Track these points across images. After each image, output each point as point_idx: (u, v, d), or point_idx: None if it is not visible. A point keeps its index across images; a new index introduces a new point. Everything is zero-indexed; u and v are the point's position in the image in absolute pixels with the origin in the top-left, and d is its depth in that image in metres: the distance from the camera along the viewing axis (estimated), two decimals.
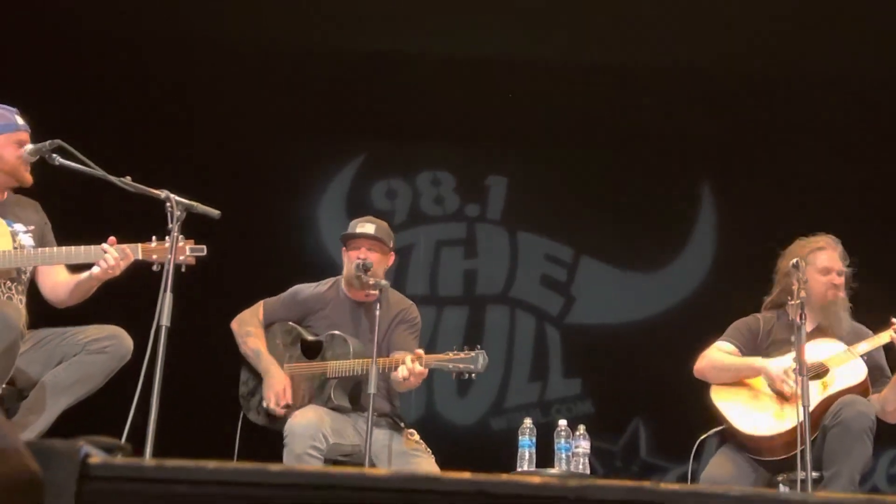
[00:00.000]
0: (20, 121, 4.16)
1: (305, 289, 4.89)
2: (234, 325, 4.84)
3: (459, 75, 7.14)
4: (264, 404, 4.62)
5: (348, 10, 6.86)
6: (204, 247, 3.96)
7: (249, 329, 4.79)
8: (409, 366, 4.38)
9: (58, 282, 4.18)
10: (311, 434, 4.33)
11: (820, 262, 4.58)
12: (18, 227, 4.11)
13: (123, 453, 1.24)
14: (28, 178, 4.14)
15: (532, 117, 7.25)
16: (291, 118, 7.09)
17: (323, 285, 4.88)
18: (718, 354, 4.60)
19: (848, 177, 7.06)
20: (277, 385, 4.61)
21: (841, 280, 4.58)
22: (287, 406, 4.58)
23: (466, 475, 1.19)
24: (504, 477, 1.24)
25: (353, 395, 4.64)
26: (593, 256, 7.52)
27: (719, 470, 4.38)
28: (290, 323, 4.81)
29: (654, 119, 7.15)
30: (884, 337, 4.41)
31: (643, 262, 7.45)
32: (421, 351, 4.49)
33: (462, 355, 4.48)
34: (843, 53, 6.81)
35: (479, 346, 4.54)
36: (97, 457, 1.17)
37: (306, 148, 7.25)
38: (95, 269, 4.02)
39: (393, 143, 7.47)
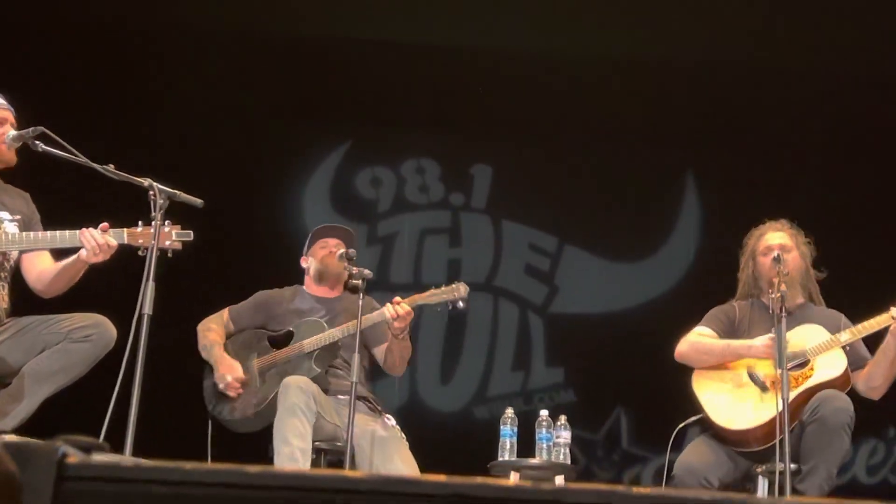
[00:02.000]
0: (1, 100, 4.14)
1: (266, 292, 4.95)
2: (199, 326, 4.85)
3: (445, 64, 7.14)
4: (220, 383, 4.59)
5: None
6: (191, 232, 3.95)
7: (210, 325, 4.82)
8: (392, 309, 4.42)
9: (43, 269, 4.15)
10: (304, 391, 4.31)
11: (761, 245, 4.66)
12: (4, 214, 4.10)
13: (101, 452, 1.24)
14: (11, 157, 4.10)
15: (517, 106, 7.25)
16: (276, 105, 7.09)
17: (285, 290, 4.96)
18: (701, 338, 4.61)
19: (832, 168, 7.10)
20: (224, 364, 4.61)
21: (788, 256, 4.56)
22: (238, 382, 4.56)
23: (442, 478, 1.20)
24: (479, 480, 1.25)
25: (331, 378, 4.65)
26: (577, 246, 7.54)
27: (696, 457, 4.38)
28: (257, 328, 4.82)
29: (638, 109, 7.16)
30: (881, 320, 4.40)
31: (627, 252, 7.48)
32: (398, 298, 4.52)
33: (444, 288, 4.55)
34: (831, 44, 6.83)
35: (457, 280, 4.57)
36: (75, 456, 1.18)
37: (290, 135, 7.24)
38: (82, 252, 3.99)
39: (378, 131, 7.46)
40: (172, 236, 3.87)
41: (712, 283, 6.63)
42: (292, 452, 4.19)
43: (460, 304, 4.57)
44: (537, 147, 7.42)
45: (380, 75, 7.14)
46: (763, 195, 6.99)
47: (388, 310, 4.46)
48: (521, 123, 7.32)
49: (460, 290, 4.54)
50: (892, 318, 4.35)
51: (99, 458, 1.23)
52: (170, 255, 3.85)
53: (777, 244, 4.61)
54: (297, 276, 5.10)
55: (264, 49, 7.00)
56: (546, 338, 7.47)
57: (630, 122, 7.22)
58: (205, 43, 6.84)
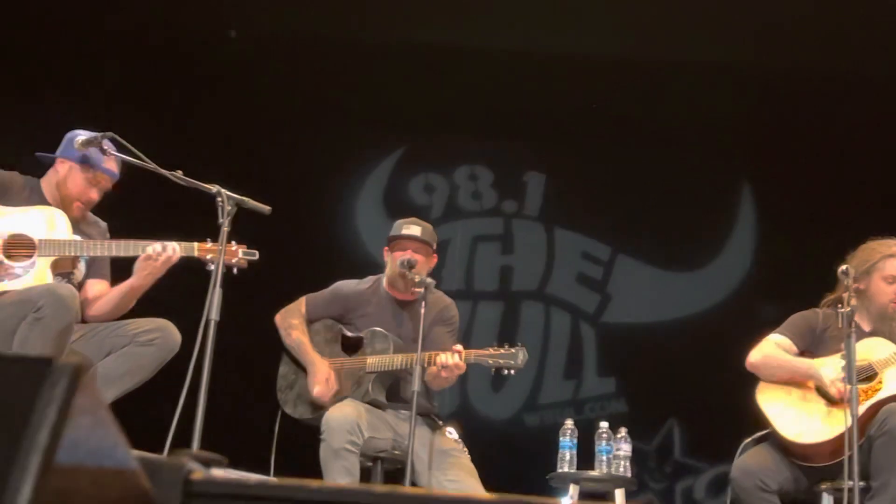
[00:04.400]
0: (110, 166, 4.18)
1: (346, 285, 4.90)
2: (278, 318, 4.86)
3: (500, 70, 7.11)
4: (313, 392, 4.59)
5: (392, 1, 6.85)
6: (256, 251, 4.05)
7: (293, 321, 4.81)
8: (449, 359, 4.38)
9: (97, 293, 4.20)
10: (348, 428, 4.33)
11: (887, 270, 4.47)
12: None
13: (220, 467, 1.23)
14: (75, 213, 4.17)
15: (572, 113, 7.21)
16: (331, 112, 7.09)
17: (364, 283, 4.88)
18: (775, 350, 4.50)
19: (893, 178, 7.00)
20: (321, 374, 4.61)
21: None
22: (334, 394, 4.57)
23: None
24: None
25: (391, 390, 4.66)
26: (630, 255, 7.50)
27: (754, 460, 4.32)
28: (331, 320, 4.81)
29: (694, 116, 7.10)
30: None
31: (681, 261, 7.42)
32: (460, 346, 4.48)
33: (502, 351, 4.48)
34: (891, 47, 6.74)
35: (519, 343, 4.52)
36: (200, 472, 1.16)
37: (345, 141, 7.24)
38: (133, 279, 4.07)
39: (431, 138, 7.46)
40: (239, 254, 3.94)
41: (767, 294, 6.60)
42: None
43: (513, 372, 4.50)
44: (591, 155, 7.37)
45: (434, 81, 7.13)
46: (821, 207, 6.92)
47: (440, 357, 4.42)
48: (575, 131, 7.28)
49: (519, 357, 4.47)
50: None
51: (219, 473, 1.22)
52: (235, 272, 3.90)
53: None
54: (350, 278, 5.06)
55: (321, 55, 7.00)
56: (598, 347, 7.43)
57: (685, 130, 7.17)
58: (264, 50, 6.86)
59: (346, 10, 6.89)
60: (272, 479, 1.11)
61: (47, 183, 4.19)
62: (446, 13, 6.93)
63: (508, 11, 6.95)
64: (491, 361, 4.50)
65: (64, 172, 4.16)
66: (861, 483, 4.03)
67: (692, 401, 6.87)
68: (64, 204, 4.15)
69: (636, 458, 7.07)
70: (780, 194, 7.21)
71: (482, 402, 7.31)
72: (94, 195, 4.21)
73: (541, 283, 7.50)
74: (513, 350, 4.48)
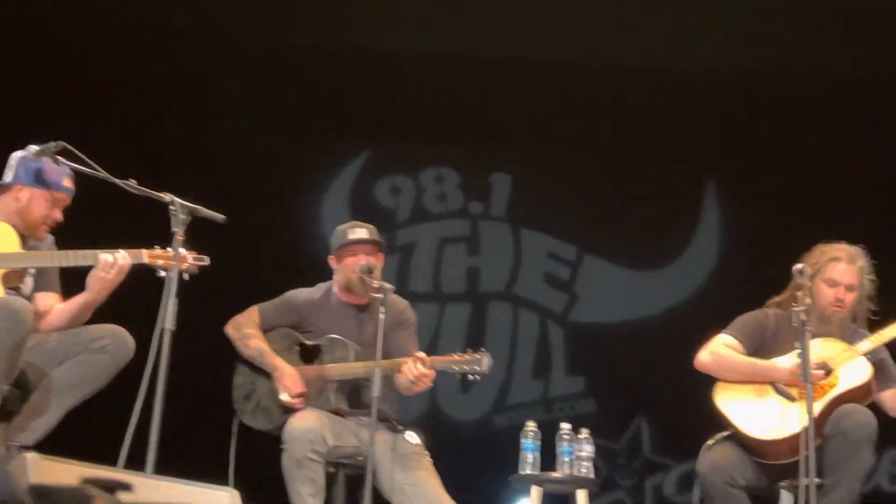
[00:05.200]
0: (68, 184, 4.16)
1: (299, 294, 4.85)
2: (230, 329, 4.77)
3: (464, 73, 7.13)
4: (281, 397, 4.55)
5: (353, 7, 6.85)
6: (207, 257, 3.99)
7: (248, 331, 4.73)
8: (413, 369, 4.36)
9: (47, 308, 4.17)
10: (311, 438, 4.30)
11: (829, 273, 4.50)
12: None
13: (126, 491, 1.23)
14: (41, 236, 4.16)
15: (537, 115, 7.24)
16: (294, 116, 7.09)
17: (316, 291, 4.83)
18: (726, 351, 4.54)
19: (856, 176, 7.04)
20: (287, 376, 4.58)
21: (847, 296, 4.49)
22: (301, 395, 4.53)
23: None
24: None
25: (352, 398, 4.62)
26: (597, 254, 7.53)
27: (723, 457, 4.36)
28: (287, 329, 4.79)
29: (658, 117, 7.14)
30: (892, 332, 4.37)
31: (647, 260, 7.47)
32: (422, 354, 4.46)
33: (467, 356, 4.46)
34: (853, 49, 6.79)
35: (482, 348, 4.51)
36: (101, 499, 1.16)
37: (309, 146, 7.25)
38: (87, 294, 4.03)
39: (397, 140, 7.46)
40: (189, 260, 3.90)
41: (732, 292, 6.63)
42: (305, 501, 4.25)
43: (478, 377, 4.50)
44: (557, 156, 7.40)
45: (398, 85, 7.13)
46: (784, 204, 6.97)
47: (406, 373, 4.41)
48: (540, 132, 7.31)
49: (484, 362, 4.43)
50: None
51: (124, 496, 1.22)
52: (186, 277, 3.86)
53: (846, 282, 4.50)
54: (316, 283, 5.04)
55: (283, 60, 7.00)
56: (566, 346, 7.46)
57: (650, 131, 7.20)
58: (222, 54, 6.85)
59: (306, 16, 6.89)
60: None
61: (4, 208, 4.13)
62: (410, 18, 6.94)
63: (471, 16, 6.97)
64: (456, 368, 4.47)
65: (25, 199, 4.11)
66: (818, 480, 4.09)
67: (660, 398, 6.92)
68: (30, 229, 4.12)
69: (605, 456, 7.14)
70: (743, 193, 7.27)
71: (450, 404, 7.32)
72: (59, 215, 4.19)
73: (508, 284, 7.53)
74: (477, 355, 4.46)
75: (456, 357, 4.46)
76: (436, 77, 7.13)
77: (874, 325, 4.54)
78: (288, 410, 4.54)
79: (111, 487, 1.21)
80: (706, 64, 7.04)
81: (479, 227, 7.59)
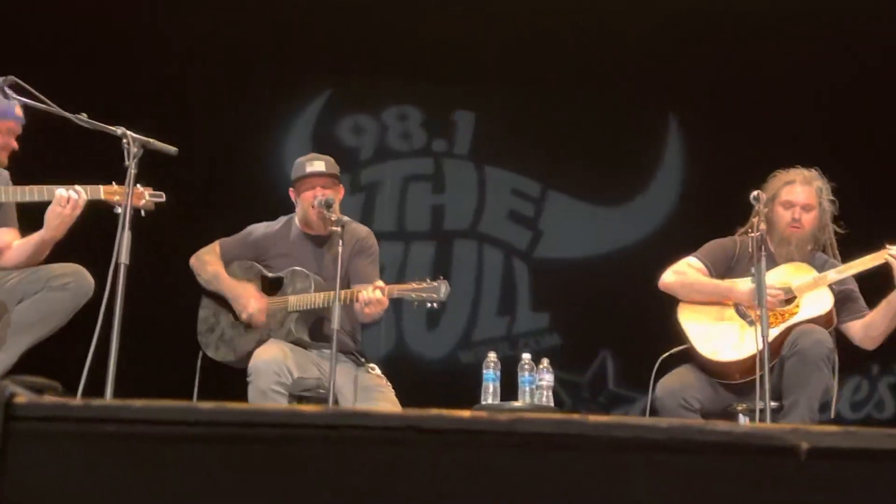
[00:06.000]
0: (18, 112, 4.12)
1: (258, 228, 4.87)
2: (192, 260, 4.81)
3: (426, 10, 7.06)
4: (242, 318, 4.58)
5: None
6: (163, 193, 4.03)
7: (207, 259, 4.77)
8: (370, 295, 4.39)
9: (6, 243, 4.16)
10: (275, 370, 4.35)
11: (784, 196, 4.55)
12: None
13: (53, 393, 1.23)
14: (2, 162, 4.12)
15: (499, 52, 7.19)
16: (255, 54, 7.01)
17: (275, 224, 4.85)
18: (689, 271, 4.58)
19: (816, 110, 7.07)
20: (246, 294, 4.60)
21: (804, 216, 4.52)
22: (261, 312, 4.56)
23: (396, 411, 1.19)
24: (434, 412, 1.24)
25: (314, 329, 4.65)
26: (560, 191, 7.53)
27: (677, 380, 4.41)
28: (249, 261, 4.80)
29: (619, 51, 7.11)
30: (874, 258, 4.40)
31: (610, 195, 7.48)
32: (381, 282, 4.49)
33: (424, 284, 4.49)
34: None
35: (441, 276, 4.54)
36: (23, 396, 1.17)
37: (270, 84, 7.17)
38: (44, 231, 4.03)
39: (359, 79, 7.40)
40: (146, 197, 3.92)
41: (696, 225, 6.64)
42: None
43: (436, 305, 4.51)
44: (519, 92, 7.37)
45: (359, 22, 7.07)
46: (746, 136, 6.98)
47: (361, 294, 4.43)
48: (502, 69, 7.27)
49: (441, 290, 4.44)
50: (889, 257, 4.33)
51: (50, 398, 1.22)
52: (143, 214, 3.88)
53: (801, 202, 4.53)
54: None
55: None
56: (531, 283, 7.49)
57: (611, 65, 7.18)
58: None
59: None
60: (98, 400, 1.12)
61: None
62: None
63: None
64: (414, 296, 4.50)
65: None
66: (774, 403, 4.15)
67: (624, 332, 6.94)
68: None
69: (571, 390, 7.21)
70: (705, 125, 7.27)
71: (417, 341, 7.35)
72: (14, 143, 4.17)
73: (473, 222, 7.53)
74: (434, 283, 4.49)
75: (414, 285, 4.50)
76: (398, 15, 7.07)
77: (847, 255, 4.58)
78: (255, 331, 4.57)
79: (39, 389, 1.22)
80: None
81: (442, 165, 7.58)
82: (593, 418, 1.25)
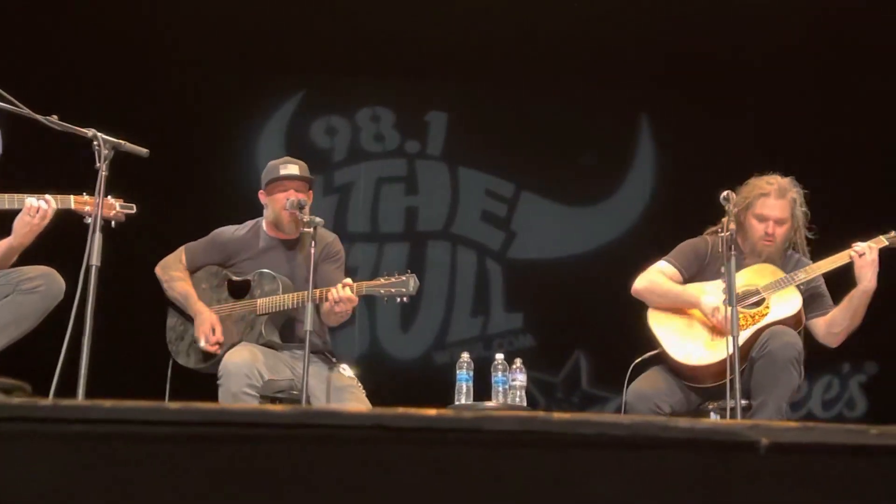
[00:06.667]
0: None
1: (225, 232, 4.87)
2: (158, 270, 4.81)
3: (399, 11, 7.07)
4: (198, 344, 4.61)
5: None
6: (133, 205, 4.05)
7: (174, 273, 4.77)
8: (341, 293, 4.40)
9: None
10: (245, 372, 4.35)
11: (758, 208, 4.54)
12: None
13: (22, 394, 1.24)
14: None
15: (471, 53, 7.21)
16: (228, 55, 7.00)
17: (242, 228, 4.86)
18: (659, 278, 4.61)
19: (788, 109, 7.11)
20: (206, 324, 4.62)
21: (778, 230, 4.54)
22: (218, 343, 4.58)
23: (363, 409, 1.20)
24: (400, 410, 1.26)
25: (284, 330, 4.67)
26: (533, 191, 7.55)
27: (648, 384, 4.44)
28: (215, 266, 4.80)
29: (591, 50, 7.14)
30: (840, 257, 4.45)
31: (583, 196, 7.50)
32: (349, 280, 4.50)
33: (393, 279, 4.50)
34: None
35: (409, 271, 4.56)
36: None
37: (243, 86, 7.16)
38: (12, 238, 4.02)
39: (331, 80, 7.41)
40: (116, 207, 3.93)
41: (668, 225, 6.68)
42: None
43: (406, 299, 4.52)
44: (492, 93, 7.40)
45: (332, 23, 7.07)
46: (717, 136, 7.03)
47: (332, 292, 4.44)
48: (475, 70, 7.29)
49: (410, 284, 4.47)
50: (853, 255, 4.38)
51: (18, 399, 1.23)
52: (113, 225, 3.89)
53: (775, 216, 4.53)
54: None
55: None
56: (504, 283, 7.51)
57: (584, 66, 7.20)
58: None
59: None
60: (66, 400, 1.13)
61: None
62: None
63: None
64: (383, 291, 4.52)
65: None
66: (744, 402, 4.18)
67: (598, 332, 6.98)
68: None
69: (544, 390, 7.24)
70: (677, 126, 7.31)
71: (391, 342, 7.36)
72: None
73: (446, 223, 7.54)
74: (403, 277, 4.51)
75: (382, 280, 4.51)
76: (371, 16, 7.07)
77: (818, 253, 4.61)
78: (207, 356, 4.60)
79: (7, 390, 1.22)
80: None
81: (416, 166, 7.59)
82: (558, 416, 1.27)
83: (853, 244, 4.42)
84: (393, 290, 4.48)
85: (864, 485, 1.24)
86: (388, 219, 7.52)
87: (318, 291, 4.44)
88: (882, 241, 4.48)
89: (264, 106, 7.40)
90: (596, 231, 7.45)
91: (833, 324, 4.50)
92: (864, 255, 4.37)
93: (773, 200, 4.55)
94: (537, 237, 7.53)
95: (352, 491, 1.25)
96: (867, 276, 4.36)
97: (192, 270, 4.79)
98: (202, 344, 4.60)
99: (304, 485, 1.25)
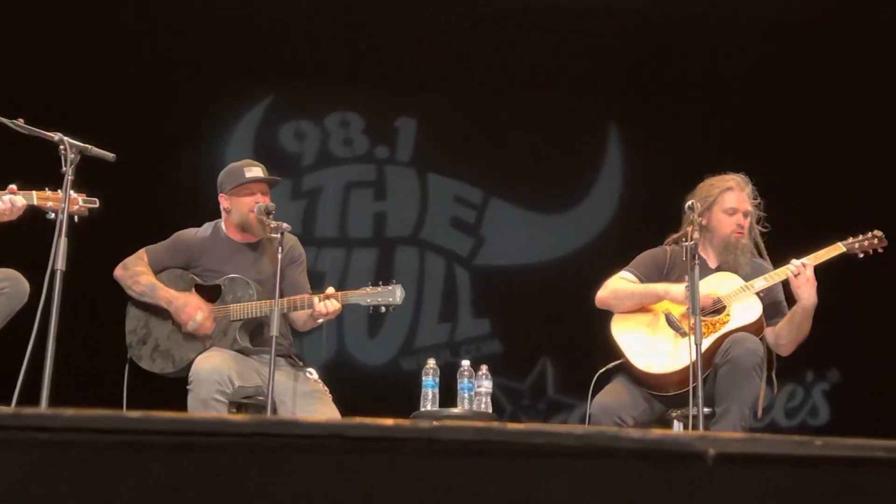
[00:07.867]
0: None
1: (187, 234, 4.81)
2: (118, 271, 4.70)
3: (368, 17, 7.09)
4: (187, 328, 4.54)
5: None
6: (96, 199, 4.01)
7: (137, 270, 4.67)
8: (326, 306, 4.40)
9: None
10: (217, 379, 4.31)
11: (727, 203, 4.60)
12: None
13: None
14: None
15: (442, 59, 7.24)
16: (196, 59, 6.99)
17: (204, 230, 4.80)
18: (621, 283, 4.65)
19: (755, 118, 7.19)
20: (189, 305, 4.54)
21: (747, 221, 4.62)
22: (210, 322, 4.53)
23: (321, 419, 1.22)
24: (357, 420, 1.28)
25: (254, 336, 4.64)
26: (502, 198, 7.58)
27: (611, 396, 4.46)
28: (179, 269, 4.76)
29: (560, 58, 7.19)
30: (780, 274, 4.51)
31: (551, 203, 7.54)
32: (332, 289, 4.50)
33: (379, 289, 4.50)
34: None
35: (394, 280, 4.57)
36: None
37: (211, 90, 7.16)
38: None
39: (300, 84, 7.41)
40: (79, 202, 3.91)
41: (635, 234, 6.73)
42: None
43: (392, 309, 4.53)
44: (462, 100, 7.42)
45: (301, 27, 7.08)
46: (684, 145, 7.09)
47: (317, 304, 4.44)
48: (445, 76, 7.32)
49: (396, 294, 4.47)
50: (789, 274, 4.43)
51: None
52: (76, 220, 3.87)
53: (744, 208, 4.60)
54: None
55: (186, 2, 6.90)
56: (472, 289, 7.53)
57: (553, 73, 7.26)
58: None
59: None
60: (28, 409, 1.14)
61: None
62: None
63: None
64: (369, 300, 4.51)
65: None
66: (707, 409, 4.22)
67: (564, 339, 7.01)
68: None
69: (511, 396, 7.27)
70: (645, 134, 7.37)
71: (358, 348, 7.37)
72: None
73: (415, 229, 7.56)
74: (389, 287, 4.51)
75: (368, 290, 4.50)
76: (340, 21, 7.09)
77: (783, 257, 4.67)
78: (196, 340, 4.54)
79: None
80: (609, 6, 7.10)
81: (385, 171, 7.60)
82: (512, 426, 1.29)
83: (792, 260, 4.48)
84: (379, 299, 4.48)
85: (810, 495, 1.27)
86: (357, 224, 7.53)
87: (293, 300, 4.44)
88: (839, 247, 4.55)
89: (233, 109, 7.39)
90: (564, 238, 7.49)
91: (779, 335, 4.54)
92: (800, 274, 4.42)
93: (738, 193, 4.63)
94: (506, 244, 7.56)
95: (310, 499, 1.27)
96: (804, 295, 4.40)
97: (155, 272, 4.72)
98: (191, 327, 4.55)
99: (264, 493, 1.27)
